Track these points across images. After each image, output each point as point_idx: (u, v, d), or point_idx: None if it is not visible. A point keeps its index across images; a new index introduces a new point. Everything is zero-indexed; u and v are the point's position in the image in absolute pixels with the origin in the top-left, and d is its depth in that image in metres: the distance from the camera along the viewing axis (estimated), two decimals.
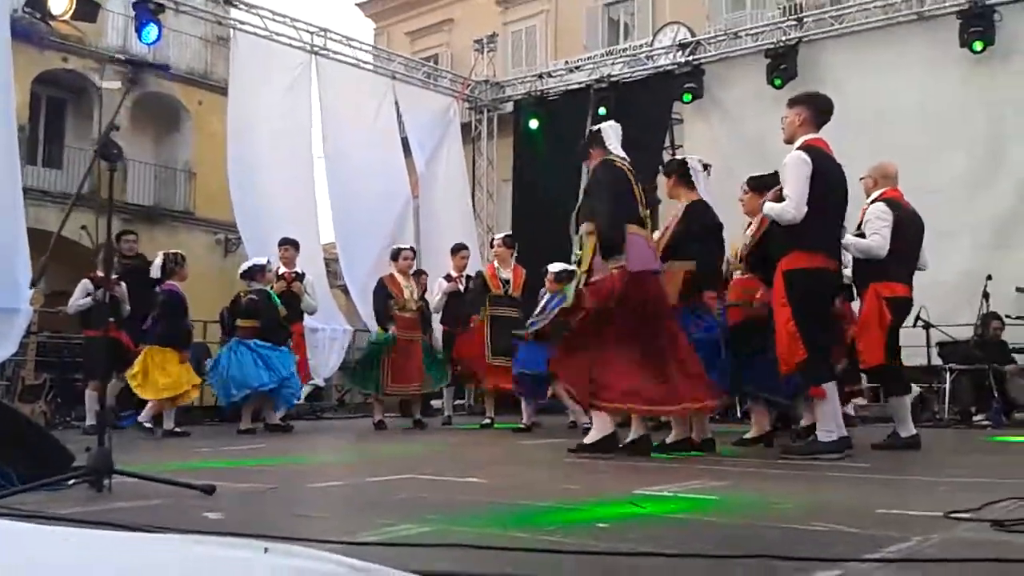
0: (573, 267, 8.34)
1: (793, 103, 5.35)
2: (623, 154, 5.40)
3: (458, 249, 9.59)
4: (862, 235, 5.68)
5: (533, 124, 14.10)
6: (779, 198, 5.01)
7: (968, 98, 10.69)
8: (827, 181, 4.94)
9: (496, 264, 8.81)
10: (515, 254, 8.87)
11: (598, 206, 5.21)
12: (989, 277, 8.76)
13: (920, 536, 2.29)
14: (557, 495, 3.35)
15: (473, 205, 14.71)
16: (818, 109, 5.24)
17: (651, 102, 13.06)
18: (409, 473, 4.16)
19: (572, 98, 13.98)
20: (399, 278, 8.76)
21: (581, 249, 5.40)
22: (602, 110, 13.27)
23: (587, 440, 5.18)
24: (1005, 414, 8.68)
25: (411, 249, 9.13)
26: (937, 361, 9.21)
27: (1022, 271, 9.40)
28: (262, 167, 10.92)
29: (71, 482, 3.48)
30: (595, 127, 5.56)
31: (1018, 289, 8.89)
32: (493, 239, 9.15)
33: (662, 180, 7.92)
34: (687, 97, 12.73)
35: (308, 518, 2.82)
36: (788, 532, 2.45)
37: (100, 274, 8.09)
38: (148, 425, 7.62)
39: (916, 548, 2.15)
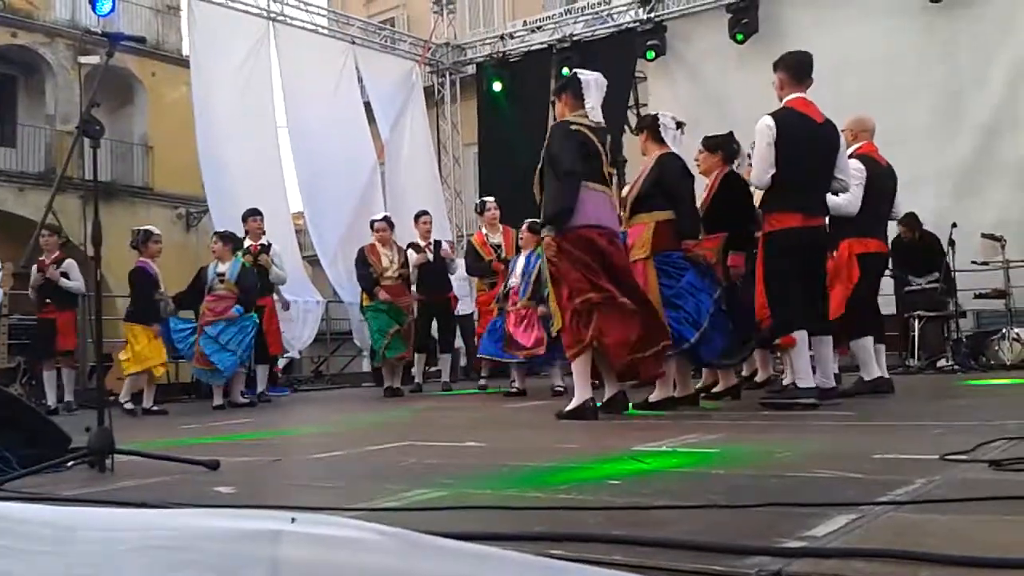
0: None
1: (775, 68, 5.41)
2: (598, 114, 5.35)
3: (419, 216, 9.59)
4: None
5: (497, 87, 14.06)
6: None
7: (929, 47, 10.84)
8: (797, 142, 5.01)
9: (484, 230, 8.80)
10: (500, 216, 8.89)
11: (551, 175, 5.15)
12: (954, 225, 8.92)
13: (923, 479, 2.37)
14: (560, 455, 3.40)
15: (439, 170, 14.66)
16: (792, 68, 5.32)
17: (614, 61, 13.01)
18: (406, 440, 4.19)
19: (535, 59, 13.95)
20: (378, 247, 8.77)
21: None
22: (565, 70, 13.22)
23: (568, 408, 5.16)
24: (972, 358, 8.92)
25: (384, 219, 9.09)
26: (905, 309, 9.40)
27: (986, 218, 9.62)
28: (228, 138, 10.81)
29: (70, 463, 3.48)
30: (576, 72, 5.45)
31: (983, 235, 9.06)
32: (485, 203, 9.07)
33: (628, 139, 7.84)
34: (650, 55, 12.76)
35: (320, 488, 2.84)
36: (795, 480, 2.52)
37: (42, 259, 8.11)
38: (129, 406, 7.63)
39: (923, 490, 2.23)
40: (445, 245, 9.52)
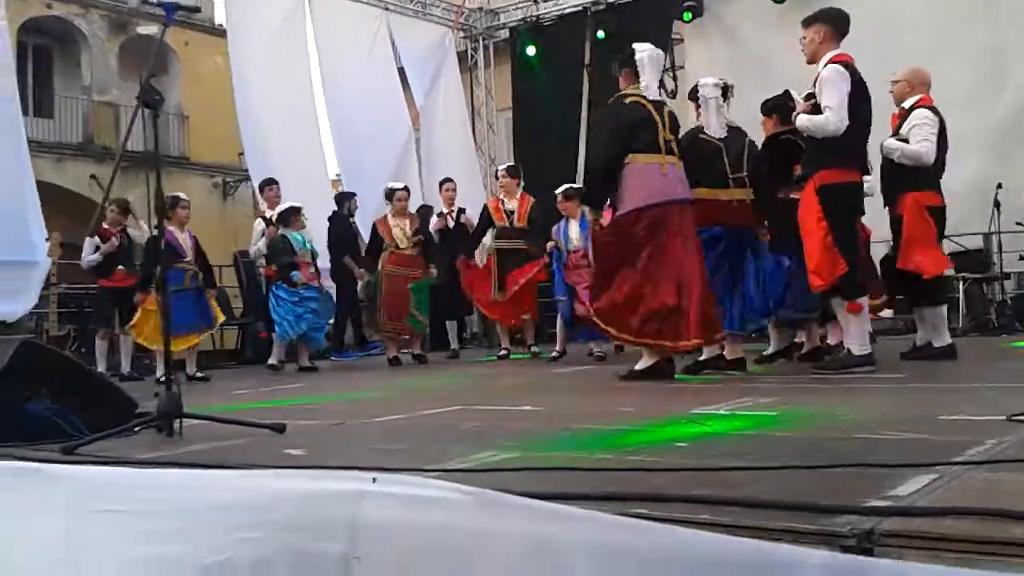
0: (579, 186, 8.38)
1: (809, 22, 5.29)
2: (653, 92, 5.35)
3: (443, 183, 9.61)
4: (904, 140, 5.67)
5: (531, 51, 13.93)
6: (812, 111, 4.98)
7: (971, 5, 10.61)
8: (861, 95, 4.94)
9: (501, 196, 8.80)
10: (521, 183, 8.85)
11: (591, 149, 5.22)
12: (999, 186, 8.78)
13: (993, 440, 2.37)
14: (619, 418, 3.43)
15: (473, 136, 14.62)
16: (836, 23, 5.21)
17: (650, 23, 12.85)
18: (459, 404, 4.24)
19: (569, 22, 13.79)
20: (391, 219, 8.76)
21: None
22: (600, 33, 13.14)
23: (637, 367, 5.22)
24: (1018, 320, 8.83)
25: (405, 188, 9.05)
26: (949, 271, 9.29)
27: None
28: (266, 107, 10.83)
29: (137, 428, 3.56)
30: (634, 46, 5.44)
31: None
32: (497, 170, 9.11)
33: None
34: (687, 16, 12.56)
35: (388, 451, 2.89)
36: (863, 442, 2.53)
37: (106, 226, 8.10)
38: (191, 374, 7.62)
39: (996, 450, 2.23)
40: (469, 213, 9.54)
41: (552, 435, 3.05)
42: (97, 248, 8.00)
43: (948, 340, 5.70)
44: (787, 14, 11.53)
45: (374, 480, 2.03)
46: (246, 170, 19.67)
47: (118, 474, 2.61)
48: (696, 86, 5.77)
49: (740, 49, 12.27)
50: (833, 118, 4.83)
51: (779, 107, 5.91)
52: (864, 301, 4.96)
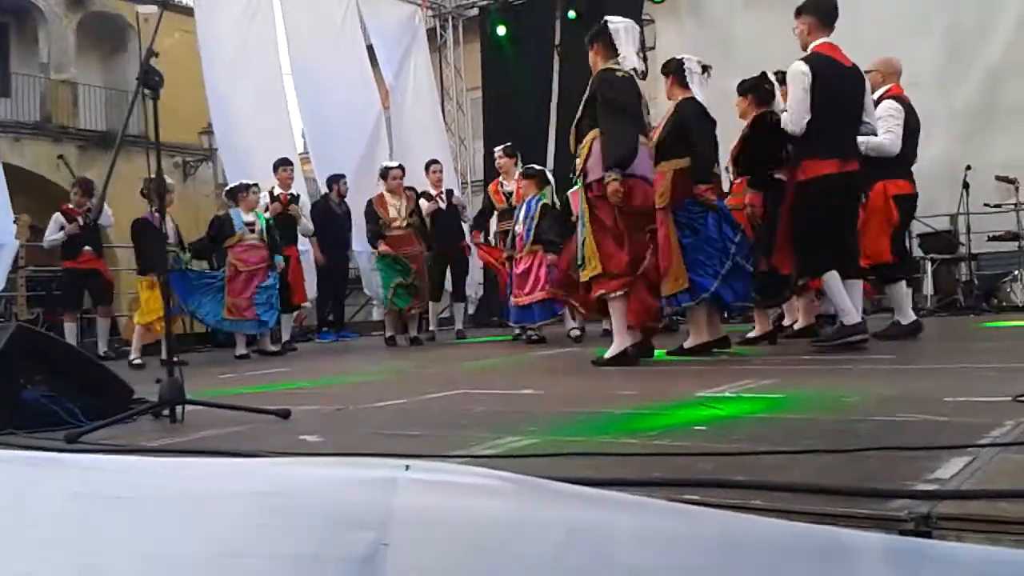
0: (540, 168, 8.39)
1: (799, 12, 5.38)
2: (633, 62, 5.31)
3: (429, 164, 9.57)
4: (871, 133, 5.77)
5: (500, 31, 13.86)
6: None
7: None
8: (830, 87, 5.02)
9: (502, 179, 8.77)
10: (519, 164, 8.83)
11: (608, 123, 5.13)
12: (968, 167, 8.93)
13: (1011, 420, 2.42)
14: (627, 402, 3.44)
15: (443, 116, 14.53)
16: (820, 14, 5.29)
17: (621, 3, 12.83)
18: (458, 388, 4.23)
19: (539, 2, 13.73)
20: (387, 197, 8.70)
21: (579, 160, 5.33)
22: (571, 13, 13.11)
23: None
24: (984, 300, 9.01)
25: (400, 167, 9.05)
26: (918, 252, 9.46)
27: (999, 159, 9.61)
28: (235, 86, 10.65)
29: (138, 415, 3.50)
30: (605, 19, 5.36)
31: (997, 177, 9.09)
32: (494, 151, 9.06)
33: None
34: None
35: (405, 436, 2.87)
36: (883, 424, 2.57)
37: (70, 206, 7.94)
38: (138, 361, 7.41)
39: (1019, 431, 2.28)
40: (458, 193, 9.49)
41: (568, 420, 3.06)
42: (62, 227, 7.84)
43: (912, 317, 5.88)
44: None
45: (407, 467, 2.01)
46: (207, 149, 19.43)
47: (133, 463, 2.56)
48: (676, 60, 5.73)
49: (711, 30, 12.31)
50: (787, 119, 5.14)
51: (755, 87, 5.96)
52: (828, 276, 5.09)
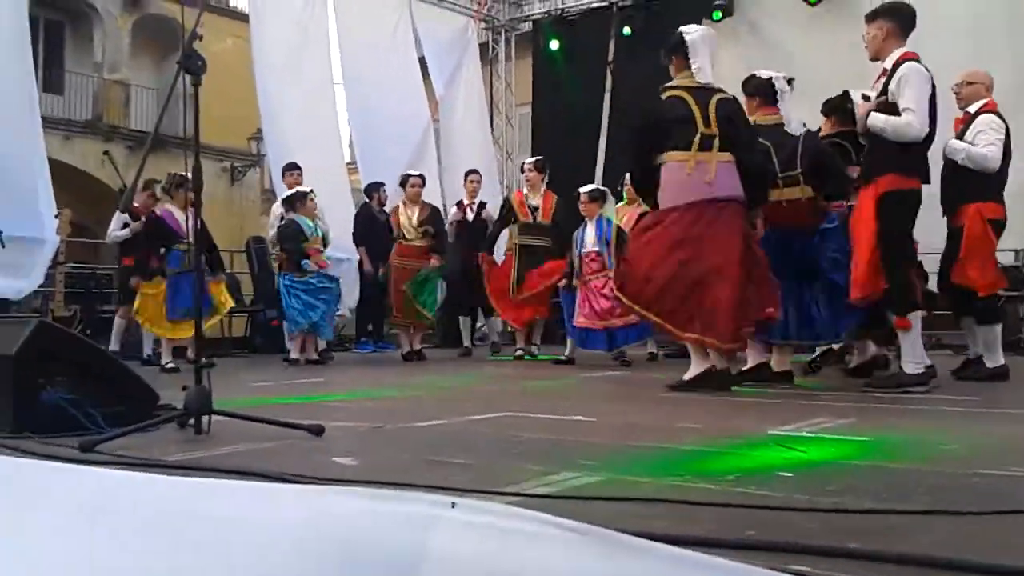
0: (604, 188, 8.11)
1: (873, 17, 5.00)
2: (706, 74, 5.02)
3: (468, 174, 9.31)
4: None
5: (554, 45, 13.64)
6: (881, 109, 4.68)
7: (1016, 8, 10.32)
8: (933, 97, 4.66)
9: (525, 190, 8.49)
10: (546, 179, 8.55)
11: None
12: None
13: None
14: (689, 437, 3.11)
15: (491, 129, 14.33)
16: (900, 19, 4.91)
17: (678, 21, 12.49)
18: (503, 411, 3.94)
19: (594, 17, 13.50)
20: (401, 208, 8.51)
21: None
22: (626, 30, 12.85)
23: (687, 376, 4.93)
24: None
25: (420, 176, 8.84)
26: None
27: None
28: (284, 93, 10.53)
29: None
30: (681, 30, 5.08)
31: None
32: (524, 164, 8.81)
33: None
34: (716, 15, 12.25)
35: (449, 464, 2.58)
36: (999, 480, 2.23)
37: (136, 205, 7.77)
38: (170, 365, 7.12)
39: None
40: (489, 208, 9.23)
41: (629, 454, 2.75)
42: (126, 225, 7.75)
43: (1001, 361, 5.43)
44: (818, 14, 11.29)
45: (453, 505, 1.71)
46: (255, 155, 19.42)
47: (144, 480, 2.29)
48: (761, 78, 5.43)
49: (770, 50, 11.96)
50: (916, 122, 4.55)
51: (837, 108, 5.62)
52: (912, 317, 4.68)
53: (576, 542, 1.57)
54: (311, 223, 7.84)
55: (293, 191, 8.02)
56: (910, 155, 4.62)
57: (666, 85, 5.05)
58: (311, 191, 7.96)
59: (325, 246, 7.97)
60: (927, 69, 4.67)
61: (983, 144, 5.29)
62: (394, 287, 8.36)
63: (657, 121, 4.96)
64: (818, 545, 1.52)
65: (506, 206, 8.52)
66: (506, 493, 2.06)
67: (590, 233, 7.42)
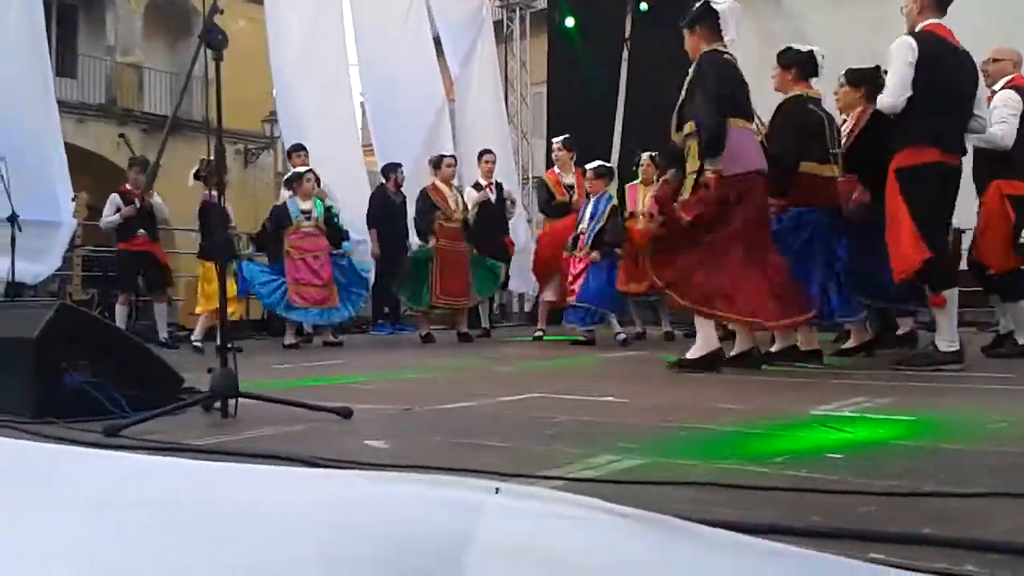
0: (611, 164, 8.06)
1: None
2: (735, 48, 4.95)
3: (482, 154, 9.19)
4: None
5: (569, 22, 13.46)
6: None
7: None
8: (940, 68, 4.51)
9: (557, 170, 8.41)
10: (575, 157, 8.45)
11: (699, 102, 4.79)
12: None
13: None
14: (728, 418, 3.03)
15: (506, 109, 14.20)
16: None
17: None
18: (532, 392, 3.86)
19: None
20: (442, 187, 8.37)
21: (686, 152, 4.95)
22: (643, 6, 12.66)
23: (690, 355, 4.85)
24: None
25: (453, 157, 8.74)
26: None
27: None
28: (299, 75, 10.45)
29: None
30: (708, 1, 4.90)
31: None
32: (552, 143, 8.72)
33: None
34: None
35: (483, 446, 2.51)
36: None
37: (127, 187, 7.73)
38: (199, 344, 7.35)
39: None
40: (507, 187, 9.12)
41: (668, 436, 2.67)
42: (118, 209, 7.66)
43: None
44: None
45: (497, 490, 1.63)
46: (269, 137, 19.34)
47: (171, 465, 2.22)
48: (802, 52, 5.31)
49: (789, 21, 11.77)
50: (885, 95, 4.57)
51: (870, 79, 5.48)
52: (949, 294, 4.57)
53: (630, 528, 1.49)
54: (305, 205, 7.71)
55: (291, 172, 7.97)
56: (919, 126, 4.51)
57: (713, 48, 4.85)
58: (308, 171, 7.85)
59: (328, 225, 7.80)
60: (921, 38, 4.54)
61: (996, 121, 5.17)
62: (444, 269, 8.16)
63: (735, 81, 4.84)
64: (891, 532, 1.44)
65: (543, 189, 8.44)
66: (549, 477, 1.98)
67: (588, 210, 7.39)
